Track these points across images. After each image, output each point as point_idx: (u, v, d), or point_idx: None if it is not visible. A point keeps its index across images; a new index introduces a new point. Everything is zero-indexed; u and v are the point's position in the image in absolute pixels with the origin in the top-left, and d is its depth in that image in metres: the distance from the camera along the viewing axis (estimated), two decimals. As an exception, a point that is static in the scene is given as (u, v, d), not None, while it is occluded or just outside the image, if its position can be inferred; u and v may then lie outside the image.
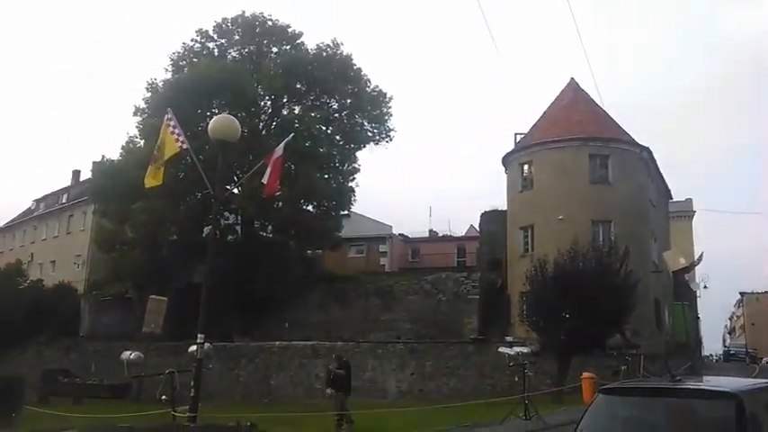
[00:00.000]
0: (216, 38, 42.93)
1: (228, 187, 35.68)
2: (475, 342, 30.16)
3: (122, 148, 40.95)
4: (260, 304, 36.11)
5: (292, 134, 17.79)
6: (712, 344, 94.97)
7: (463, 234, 54.45)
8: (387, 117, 42.96)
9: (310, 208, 41.04)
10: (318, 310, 39.21)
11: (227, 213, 39.27)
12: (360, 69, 42.09)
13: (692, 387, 6.73)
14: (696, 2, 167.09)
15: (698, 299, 44.19)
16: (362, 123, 43.05)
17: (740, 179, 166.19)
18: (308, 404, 21.47)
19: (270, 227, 41.42)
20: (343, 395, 17.43)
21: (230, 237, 40.47)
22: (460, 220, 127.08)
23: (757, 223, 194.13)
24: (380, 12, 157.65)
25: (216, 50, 42.99)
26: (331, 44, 41.91)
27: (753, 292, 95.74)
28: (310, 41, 42.90)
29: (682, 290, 38.50)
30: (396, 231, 53.07)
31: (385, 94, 42.70)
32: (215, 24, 42.67)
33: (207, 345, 10.72)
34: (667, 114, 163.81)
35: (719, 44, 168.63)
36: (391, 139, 43.20)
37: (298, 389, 28.46)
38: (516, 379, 17.96)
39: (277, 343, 30.55)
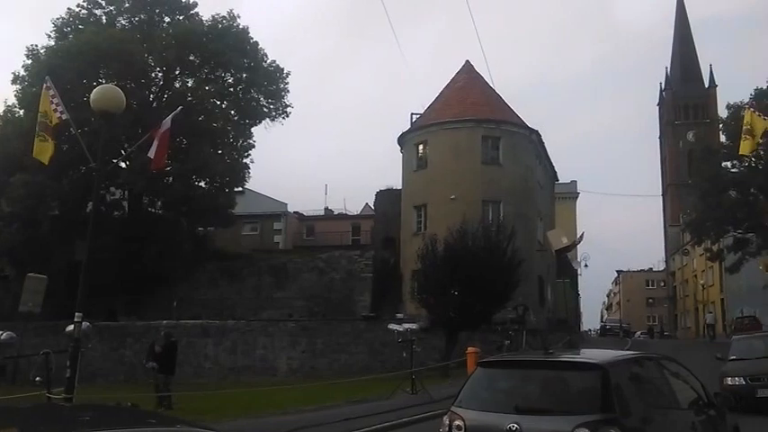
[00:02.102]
0: (104, 4, 40.78)
1: (114, 161, 34.34)
2: (366, 319, 30.53)
3: (0, 117, 38.58)
4: (148, 282, 35.07)
5: (180, 107, 17.16)
6: (591, 319, 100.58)
7: (358, 212, 54.78)
8: (283, 93, 42.31)
9: (203, 184, 39.95)
10: (210, 287, 38.53)
11: (113, 188, 37.69)
12: (257, 43, 41.19)
13: (563, 360, 7.15)
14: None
15: (579, 276, 46.57)
16: (258, 99, 42.21)
17: (621, 162, 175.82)
18: (195, 384, 21.02)
19: (159, 203, 40.09)
20: (166, 377, 17.01)
21: (117, 213, 38.91)
22: (356, 198, 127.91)
23: (635, 204, 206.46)
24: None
25: (104, 18, 40.86)
26: (227, 16, 40.72)
27: (628, 271, 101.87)
28: (205, 12, 41.57)
29: (564, 268, 40.44)
30: (291, 209, 52.74)
31: (282, 69, 42.01)
32: (103, -11, 40.50)
33: (85, 324, 10.30)
34: (555, 98, 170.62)
35: (608, 29, 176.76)
36: (288, 116, 42.66)
37: (185, 368, 27.71)
38: (404, 355, 18.34)
39: (164, 322, 29.68)
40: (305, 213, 54.39)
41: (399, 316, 26.79)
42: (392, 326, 18.70)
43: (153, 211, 39.98)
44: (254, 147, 41.40)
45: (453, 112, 37.61)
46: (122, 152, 33.16)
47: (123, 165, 35.05)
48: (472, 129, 36.72)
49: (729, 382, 13.61)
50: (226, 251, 40.61)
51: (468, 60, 41.61)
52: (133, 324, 31.31)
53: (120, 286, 33.39)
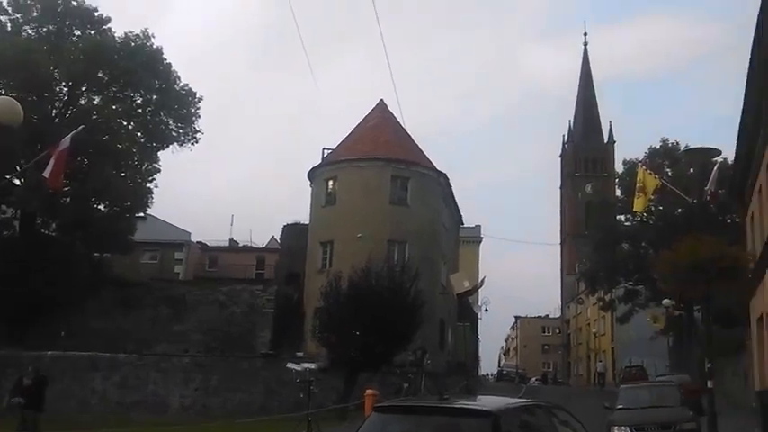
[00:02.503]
0: (10, 11, 38.86)
1: (8, 177, 32.54)
2: (265, 357, 29.86)
3: None
4: (37, 309, 33.01)
5: (82, 126, 16.50)
6: (490, 363, 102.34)
7: (264, 245, 54.00)
8: (194, 118, 41.30)
9: (102, 207, 38.40)
10: (103, 317, 36.61)
11: (4, 206, 35.67)
12: (170, 65, 40.19)
13: (456, 406, 7.15)
14: (499, 40, 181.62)
15: (479, 320, 47.45)
16: (167, 122, 41.05)
17: (524, 209, 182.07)
18: (79, 421, 19.88)
19: (54, 224, 38.16)
20: (34, 413, 16.05)
21: (6, 232, 36.75)
22: (263, 231, 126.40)
23: (536, 252, 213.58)
24: (197, 21, 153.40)
25: (9, 25, 38.88)
26: (141, 35, 39.62)
27: (526, 316, 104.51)
28: (119, 29, 40.19)
29: (465, 311, 41.11)
30: (194, 238, 51.37)
31: (195, 93, 41.09)
32: (10, -4, 38.68)
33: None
34: (465, 142, 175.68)
35: (518, 80, 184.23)
36: (197, 141, 41.61)
37: (70, 402, 26.31)
38: (302, 395, 17.96)
39: (49, 353, 28.05)
40: (208, 243, 53.07)
41: (299, 354, 26.36)
42: (290, 365, 18.28)
43: (46, 232, 37.99)
44: (159, 171, 40.21)
45: (364, 150, 37.87)
46: (17, 168, 31.50)
47: (17, 182, 33.32)
48: (382, 168, 37.04)
49: (616, 431, 14.05)
50: (122, 279, 38.91)
51: (382, 99, 42.12)
52: (17, 354, 29.29)
53: (6, 312, 31.33)
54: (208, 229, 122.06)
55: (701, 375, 19.37)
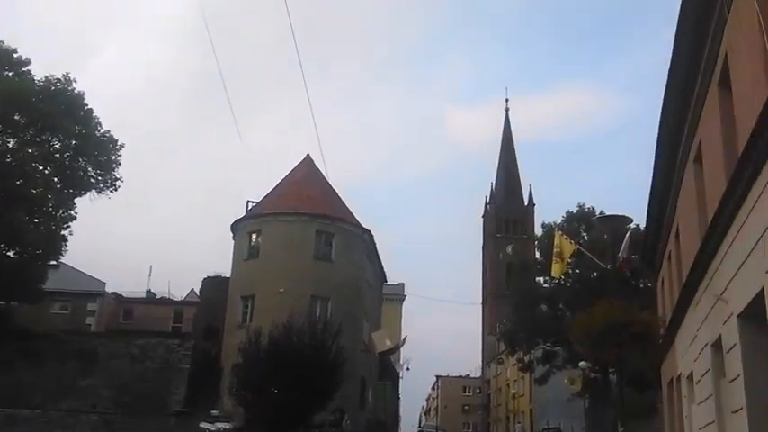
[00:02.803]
0: None
1: None
2: (178, 415, 28.70)
3: None
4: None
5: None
6: (411, 422, 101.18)
7: (183, 298, 52.56)
8: (115, 165, 40.27)
9: (11, 254, 36.64)
10: (5, 370, 34.45)
11: None
12: (91, 110, 39.16)
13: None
14: (426, 101, 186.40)
15: (400, 379, 47.13)
16: (86, 168, 39.86)
17: (448, 268, 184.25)
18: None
19: (-43, 271, 36.05)
20: None
21: None
22: (182, 283, 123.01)
23: (458, 311, 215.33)
24: (123, 69, 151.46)
25: None
26: (62, 79, 38.67)
27: (447, 376, 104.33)
28: (39, 72, 39.05)
29: (386, 370, 40.82)
30: (110, 289, 49.52)
31: (116, 140, 40.06)
32: (-77, 37, 37.21)
33: None
34: (390, 200, 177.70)
35: (442, 142, 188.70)
36: (117, 189, 40.37)
37: (-38, 462, 24.53)
38: (214, 456, 17.34)
39: (-60, 408, 26.19)
40: (124, 294, 51.22)
41: (214, 413, 25.48)
42: (204, 425, 17.71)
43: (-53, 278, 35.84)
44: (75, 218, 38.76)
45: (289, 204, 37.76)
46: None
47: None
48: (306, 223, 36.96)
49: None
50: (27, 330, 36.85)
51: (308, 154, 42.27)
52: None
53: None
54: (124, 279, 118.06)
55: (615, 437, 19.69)
